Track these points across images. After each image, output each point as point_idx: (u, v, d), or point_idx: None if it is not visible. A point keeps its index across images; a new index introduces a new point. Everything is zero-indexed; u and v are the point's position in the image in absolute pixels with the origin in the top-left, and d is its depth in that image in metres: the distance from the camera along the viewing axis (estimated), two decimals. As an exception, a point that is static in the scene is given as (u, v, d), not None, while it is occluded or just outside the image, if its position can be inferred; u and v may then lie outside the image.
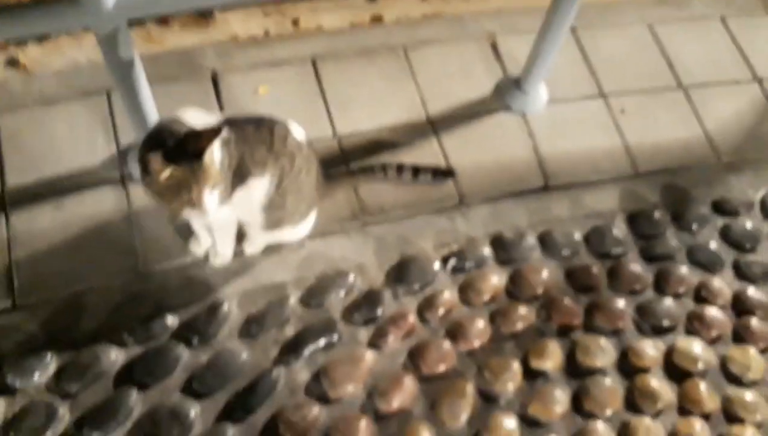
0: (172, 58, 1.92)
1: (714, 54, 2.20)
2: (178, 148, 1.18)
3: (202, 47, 1.96)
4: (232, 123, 1.31)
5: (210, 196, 1.24)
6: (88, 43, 1.88)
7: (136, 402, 1.41)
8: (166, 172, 1.18)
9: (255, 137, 1.33)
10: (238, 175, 1.32)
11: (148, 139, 1.21)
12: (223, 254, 1.58)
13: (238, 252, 1.61)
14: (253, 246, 1.61)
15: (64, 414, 1.39)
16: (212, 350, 1.50)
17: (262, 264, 1.63)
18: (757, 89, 2.15)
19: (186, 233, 1.61)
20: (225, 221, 1.44)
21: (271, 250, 1.63)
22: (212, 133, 1.17)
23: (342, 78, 1.94)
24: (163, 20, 2.03)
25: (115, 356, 1.46)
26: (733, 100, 2.11)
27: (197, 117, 1.27)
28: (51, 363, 1.44)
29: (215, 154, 1.23)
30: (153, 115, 1.55)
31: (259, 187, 1.37)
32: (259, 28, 2.07)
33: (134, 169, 1.69)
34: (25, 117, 1.74)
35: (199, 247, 1.60)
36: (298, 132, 1.43)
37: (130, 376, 1.44)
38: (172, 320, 1.52)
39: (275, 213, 1.44)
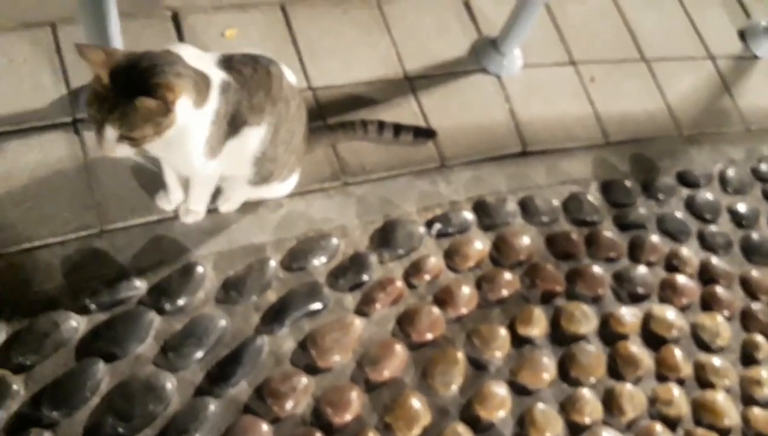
0: (124, -9, 1.71)
1: (671, 28, 2.25)
2: (140, 76, 1.00)
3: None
4: (228, 63, 1.17)
5: (120, 145, 1.04)
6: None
7: (103, 375, 1.26)
8: (104, 78, 0.99)
9: (253, 80, 1.19)
10: (232, 125, 1.19)
11: (133, 56, 1.03)
12: (196, 210, 1.44)
13: (212, 210, 1.47)
14: (229, 203, 1.47)
15: (19, 390, 1.21)
16: (187, 316, 1.36)
17: (237, 224, 1.49)
18: (710, 66, 2.23)
19: (152, 186, 1.44)
20: (210, 175, 1.29)
21: (246, 208, 1.50)
22: (168, 89, 0.99)
23: (313, 26, 1.81)
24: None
25: (76, 324, 1.29)
26: (691, 76, 2.17)
27: (192, 54, 1.12)
28: (0, 331, 1.25)
29: (183, 103, 1.05)
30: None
31: (254, 138, 1.23)
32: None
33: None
34: (-47, 45, 1.48)
35: (168, 203, 1.44)
36: (289, 74, 1.30)
37: (94, 346, 1.28)
38: (140, 283, 1.36)
39: (266, 166, 1.31)
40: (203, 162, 1.19)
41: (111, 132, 1.01)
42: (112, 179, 1.45)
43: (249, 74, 1.18)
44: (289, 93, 1.28)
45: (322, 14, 1.84)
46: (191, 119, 1.09)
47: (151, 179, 1.45)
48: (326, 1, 1.86)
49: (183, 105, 1.04)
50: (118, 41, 1.36)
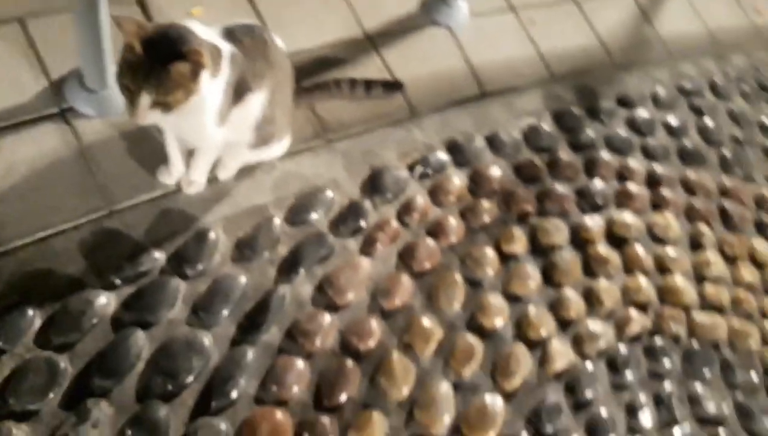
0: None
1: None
2: (170, 45, 1.09)
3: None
4: (230, 35, 1.26)
5: (151, 111, 1.12)
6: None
7: (143, 341, 1.34)
8: (137, 48, 1.07)
9: (253, 49, 1.29)
10: (237, 92, 1.28)
11: (161, 27, 1.12)
12: (198, 181, 1.52)
13: (210, 179, 1.55)
14: (226, 171, 1.56)
15: (66, 367, 1.27)
16: (209, 278, 1.45)
17: (237, 189, 1.58)
18: (631, 1, 2.45)
19: (150, 163, 1.51)
20: (217, 143, 1.38)
21: (242, 174, 1.59)
22: (198, 54, 1.09)
23: (273, -2, 1.89)
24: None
25: (106, 300, 1.36)
26: (615, 11, 2.40)
27: (199, 28, 1.20)
28: (35, 317, 1.30)
29: (204, 72, 1.14)
30: (108, 40, 1.41)
31: (256, 103, 1.33)
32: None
33: (75, 102, 1.53)
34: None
35: (170, 176, 1.51)
36: (278, 39, 1.40)
37: (128, 317, 1.35)
38: (159, 254, 1.44)
39: (266, 128, 1.41)
40: (215, 130, 1.28)
41: (145, 99, 1.09)
42: (111, 162, 1.51)
43: (249, 44, 1.28)
44: (280, 57, 1.37)
45: (279, -15, 1.92)
46: (207, 89, 1.17)
47: (148, 157, 1.51)
48: (280, -28, 1.94)
49: (204, 74, 1.13)
50: (107, 30, 1.40)
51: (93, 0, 1.31)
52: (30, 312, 1.30)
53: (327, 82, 1.72)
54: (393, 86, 1.85)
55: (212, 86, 1.19)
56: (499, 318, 1.60)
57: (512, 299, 1.64)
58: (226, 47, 1.22)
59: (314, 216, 1.60)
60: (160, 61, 1.07)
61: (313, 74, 1.80)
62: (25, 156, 1.46)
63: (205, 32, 1.20)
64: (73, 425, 1.21)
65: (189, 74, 1.09)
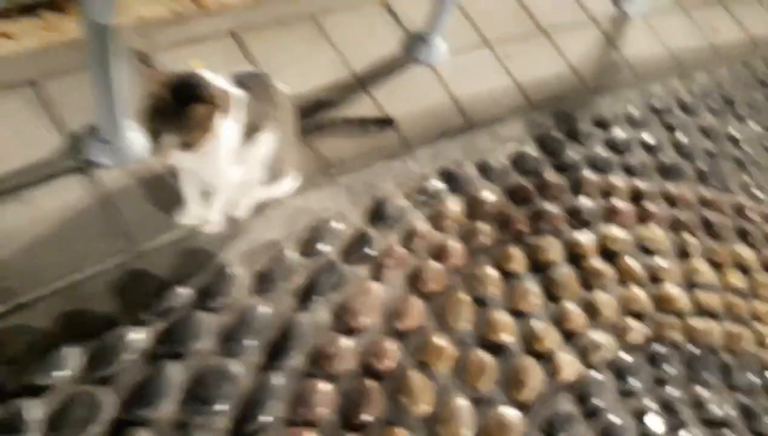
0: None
1: (556, 1, 2.64)
2: (190, 90, 1.23)
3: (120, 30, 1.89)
4: (239, 80, 1.38)
5: (175, 151, 1.26)
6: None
7: (177, 372, 1.41)
8: (165, 94, 1.20)
9: (260, 93, 1.40)
10: (249, 133, 1.39)
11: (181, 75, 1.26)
12: (216, 220, 1.61)
13: (227, 217, 1.64)
14: (241, 209, 1.65)
15: (108, 400, 1.34)
16: (233, 310, 1.53)
17: (252, 226, 1.67)
18: (595, 28, 2.63)
19: (168, 207, 1.60)
20: (232, 182, 1.48)
21: (256, 212, 1.69)
22: (215, 97, 1.23)
23: (265, 46, 2.01)
24: (59, 7, 1.93)
25: (139, 336, 1.43)
26: (582, 39, 2.57)
27: (210, 75, 1.31)
28: (75, 355, 1.37)
29: (223, 119, 1.27)
30: (121, 94, 1.52)
31: (265, 142, 1.44)
32: (164, 9, 2.05)
33: (93, 154, 1.62)
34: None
35: (188, 217, 1.60)
36: (280, 83, 1.52)
37: (161, 350, 1.43)
38: (184, 291, 1.52)
39: (276, 166, 1.51)
40: (230, 168, 1.39)
41: (170, 139, 1.21)
42: (131, 207, 1.60)
43: (255, 87, 1.40)
44: (284, 100, 1.50)
45: (272, 35, 2.05)
46: (223, 129, 1.28)
47: (166, 200, 1.60)
48: (272, 23, 2.07)
49: (220, 115, 1.24)
50: (121, 86, 1.51)
51: (107, 60, 1.42)
52: (71, 350, 1.38)
53: (324, 122, 1.84)
54: (385, 122, 1.97)
55: (227, 127, 1.30)
56: (506, 334, 1.69)
57: (517, 314, 1.74)
58: (237, 92, 1.34)
59: (325, 247, 1.70)
60: (181, 104, 1.20)
61: (309, 115, 1.91)
62: (53, 207, 1.54)
63: (217, 79, 1.31)
64: (119, 455, 1.27)
65: (207, 115, 1.21)
